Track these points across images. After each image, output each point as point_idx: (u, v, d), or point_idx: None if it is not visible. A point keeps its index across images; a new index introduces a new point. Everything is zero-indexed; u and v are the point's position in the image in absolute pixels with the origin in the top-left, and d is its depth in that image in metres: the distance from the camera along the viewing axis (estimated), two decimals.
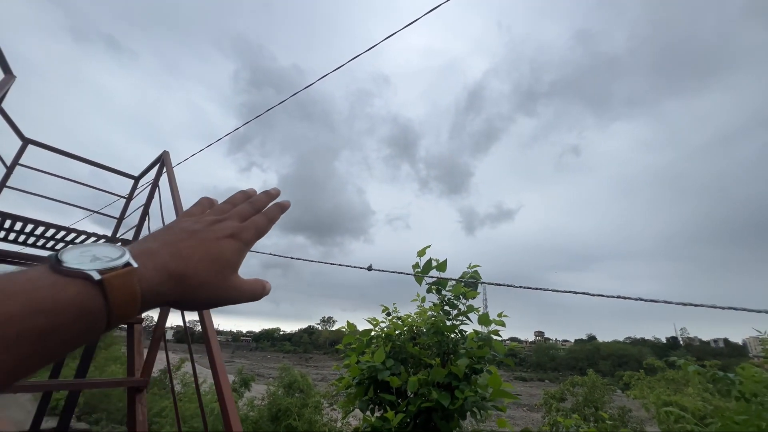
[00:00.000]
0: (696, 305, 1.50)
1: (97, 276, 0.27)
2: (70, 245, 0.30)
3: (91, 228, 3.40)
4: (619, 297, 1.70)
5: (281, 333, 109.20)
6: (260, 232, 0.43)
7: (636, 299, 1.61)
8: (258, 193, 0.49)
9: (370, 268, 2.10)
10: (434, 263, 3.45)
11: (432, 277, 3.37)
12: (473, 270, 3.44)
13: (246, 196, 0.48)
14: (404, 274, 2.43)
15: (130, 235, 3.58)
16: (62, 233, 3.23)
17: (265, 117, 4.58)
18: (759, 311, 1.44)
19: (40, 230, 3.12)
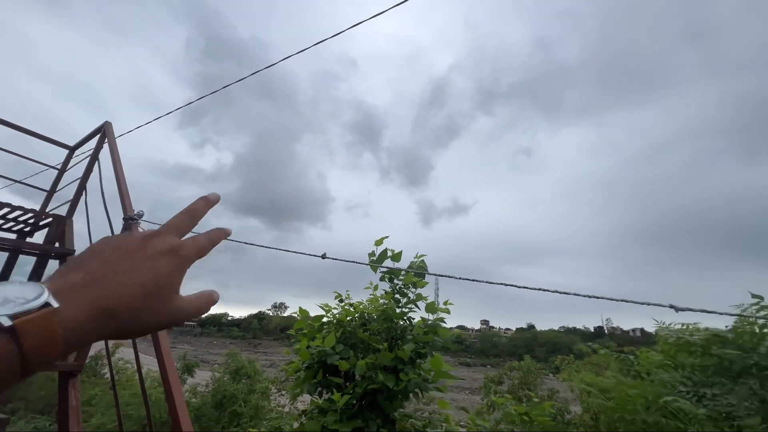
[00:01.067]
0: (617, 300, 1.77)
1: (7, 321, 0.24)
2: None
3: (13, 201, 3.08)
4: (556, 291, 1.93)
5: (229, 318, 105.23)
6: (200, 251, 0.40)
7: (573, 294, 1.84)
8: (198, 199, 0.45)
9: (324, 256, 2.15)
10: (389, 253, 3.58)
11: (385, 267, 3.49)
12: (420, 259, 3.61)
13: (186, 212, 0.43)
14: (357, 263, 2.51)
15: (62, 210, 3.30)
16: None
17: (221, 91, 4.36)
18: (657, 305, 1.73)
19: None
